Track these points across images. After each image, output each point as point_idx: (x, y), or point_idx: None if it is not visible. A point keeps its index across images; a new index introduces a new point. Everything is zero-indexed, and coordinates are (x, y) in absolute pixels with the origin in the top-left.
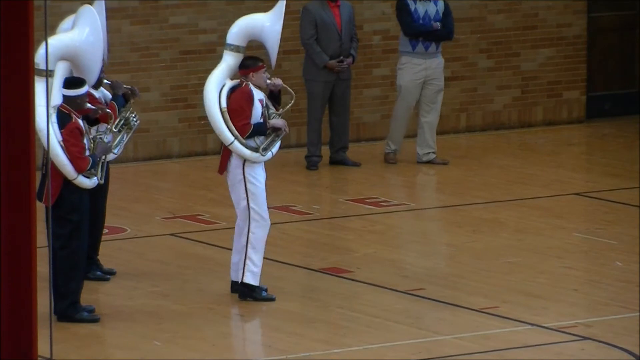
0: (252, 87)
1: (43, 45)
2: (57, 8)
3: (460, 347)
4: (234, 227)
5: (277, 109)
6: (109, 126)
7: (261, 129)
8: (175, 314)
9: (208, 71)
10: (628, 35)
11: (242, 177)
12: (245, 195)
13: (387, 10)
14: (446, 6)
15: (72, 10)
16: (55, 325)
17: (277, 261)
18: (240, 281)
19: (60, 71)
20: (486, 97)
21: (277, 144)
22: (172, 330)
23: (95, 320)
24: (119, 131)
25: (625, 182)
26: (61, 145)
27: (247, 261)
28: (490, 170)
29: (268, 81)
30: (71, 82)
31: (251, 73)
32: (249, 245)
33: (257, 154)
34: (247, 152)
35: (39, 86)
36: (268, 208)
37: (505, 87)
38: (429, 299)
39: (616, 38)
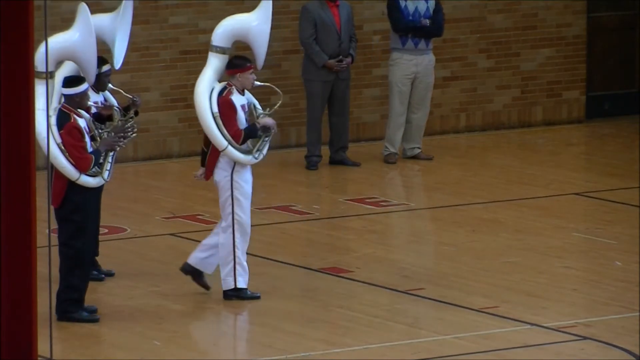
0: (233, 94)
1: (39, 46)
2: (57, 8)
3: (460, 347)
4: None
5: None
6: (113, 122)
7: (253, 132)
8: (175, 314)
9: None
10: (628, 35)
11: (230, 183)
12: (231, 201)
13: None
14: (437, 3)
15: (71, 10)
16: (55, 325)
17: (276, 261)
18: (232, 287)
19: (61, 72)
20: (486, 97)
21: (267, 145)
22: (172, 330)
23: (95, 320)
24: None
25: (624, 182)
26: (60, 148)
27: (237, 267)
28: (490, 170)
29: (256, 83)
30: (70, 80)
31: (238, 74)
32: (236, 251)
33: (250, 157)
34: (241, 156)
35: (38, 89)
36: (268, 208)
37: (505, 87)
38: (429, 299)
39: (616, 38)
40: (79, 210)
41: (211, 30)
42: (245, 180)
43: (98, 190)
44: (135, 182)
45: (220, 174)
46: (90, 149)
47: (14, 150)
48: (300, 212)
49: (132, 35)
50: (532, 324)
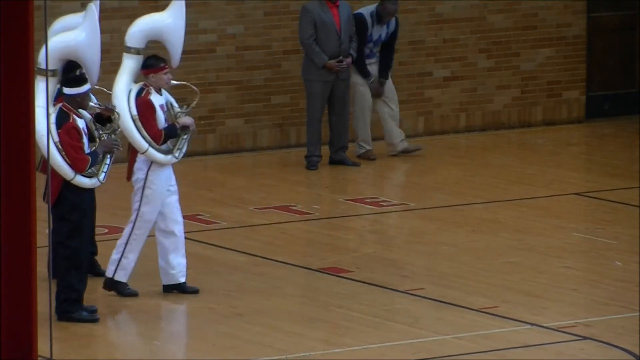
0: (152, 94)
1: (44, 45)
2: (57, 8)
3: (460, 347)
4: (234, 227)
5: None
6: (112, 124)
7: (172, 132)
8: (175, 314)
9: (208, 71)
10: (628, 35)
11: (143, 181)
12: (140, 197)
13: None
14: (394, 32)
15: (71, 10)
16: (55, 325)
17: (277, 261)
18: (111, 276)
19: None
20: (486, 97)
21: (187, 143)
22: (172, 330)
23: (94, 320)
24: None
25: (624, 181)
26: (57, 147)
27: (123, 260)
28: (490, 170)
29: (173, 82)
30: (71, 80)
31: (151, 74)
32: (127, 246)
33: (171, 156)
34: (162, 157)
35: (39, 86)
36: (268, 208)
37: (505, 87)
38: (429, 299)
39: (616, 38)
40: (75, 210)
41: (212, 30)
42: (160, 179)
43: (93, 189)
44: None
45: (137, 172)
46: (87, 150)
47: (14, 150)
48: (300, 212)
49: None
50: (532, 324)
